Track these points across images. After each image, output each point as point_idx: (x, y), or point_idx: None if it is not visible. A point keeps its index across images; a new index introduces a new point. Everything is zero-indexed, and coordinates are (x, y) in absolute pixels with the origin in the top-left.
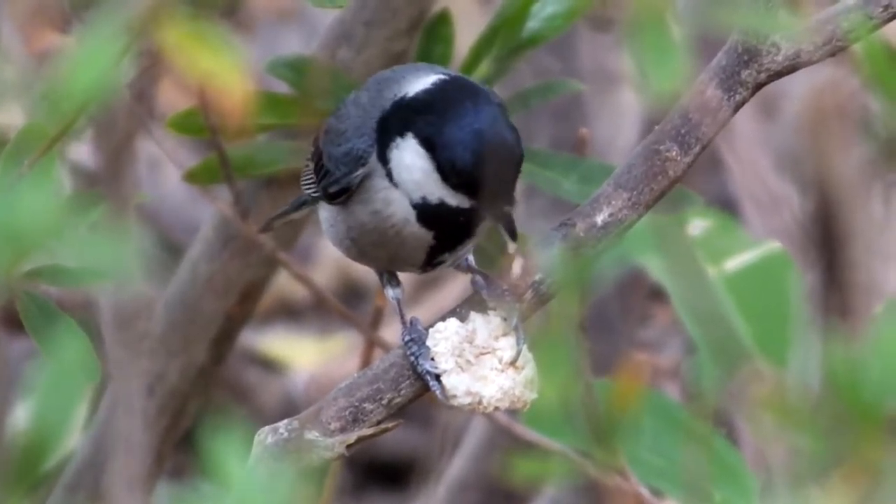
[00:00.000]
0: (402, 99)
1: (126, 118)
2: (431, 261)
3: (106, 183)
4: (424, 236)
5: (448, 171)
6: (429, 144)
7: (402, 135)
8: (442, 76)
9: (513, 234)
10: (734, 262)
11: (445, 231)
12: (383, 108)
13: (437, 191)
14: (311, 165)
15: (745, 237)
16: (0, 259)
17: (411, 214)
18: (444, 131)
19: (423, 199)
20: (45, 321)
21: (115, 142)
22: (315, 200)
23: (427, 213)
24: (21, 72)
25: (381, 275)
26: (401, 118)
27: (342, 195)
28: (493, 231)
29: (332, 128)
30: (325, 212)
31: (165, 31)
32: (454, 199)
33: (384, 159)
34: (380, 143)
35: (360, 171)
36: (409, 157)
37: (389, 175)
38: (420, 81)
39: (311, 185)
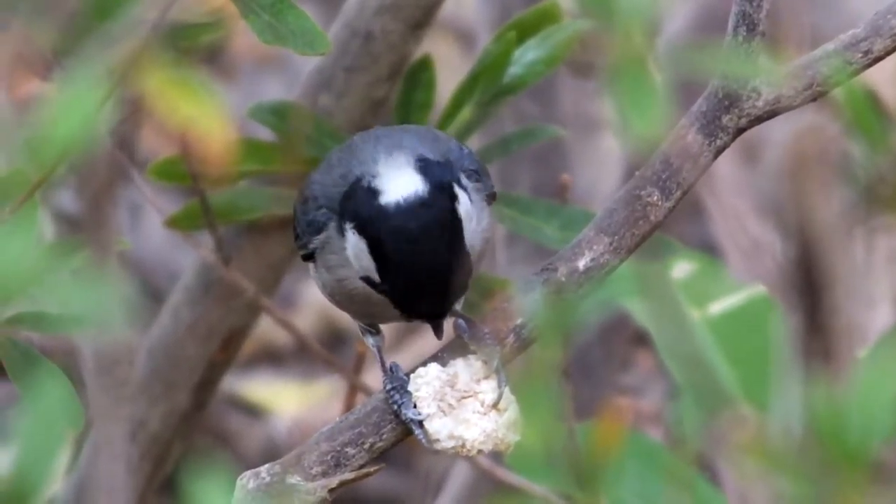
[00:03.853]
0: (364, 189)
1: (108, 165)
2: (409, 318)
3: (88, 229)
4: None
5: (380, 283)
6: (375, 255)
7: (354, 226)
8: (416, 185)
9: (436, 332)
10: (719, 306)
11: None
12: (347, 182)
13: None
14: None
15: (730, 280)
16: None
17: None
18: (389, 253)
19: (367, 278)
20: (27, 367)
21: (96, 188)
22: None
23: (372, 285)
24: (2, 118)
25: (360, 324)
26: (357, 208)
27: (309, 259)
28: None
29: (302, 191)
30: (310, 264)
31: (147, 78)
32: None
33: (342, 231)
34: (341, 216)
35: (318, 239)
36: (359, 250)
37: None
38: (388, 175)
39: None
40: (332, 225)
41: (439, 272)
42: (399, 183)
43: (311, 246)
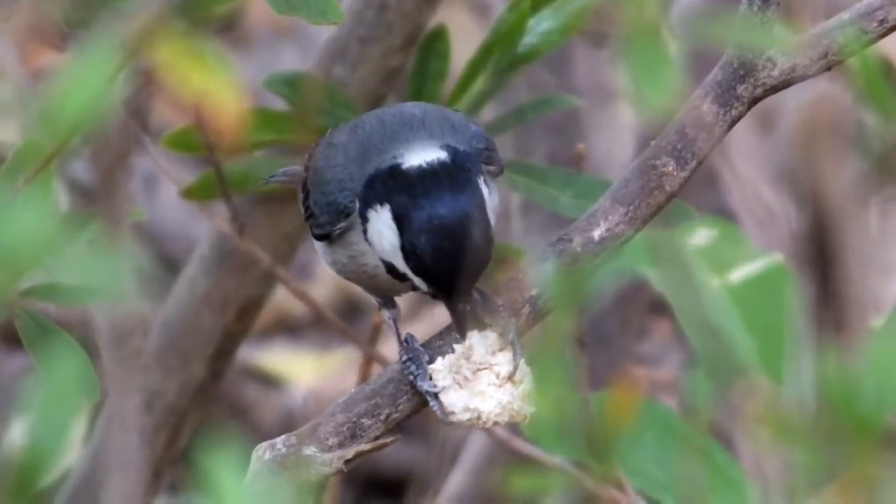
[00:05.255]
0: (395, 168)
1: (121, 135)
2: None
3: (101, 200)
4: (399, 282)
5: (409, 258)
6: (399, 223)
7: (381, 203)
8: (440, 156)
9: (461, 329)
10: (738, 273)
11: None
12: (370, 169)
13: (401, 265)
14: (300, 195)
15: (749, 248)
16: None
17: (381, 267)
18: (413, 217)
19: (391, 265)
20: (43, 338)
21: (110, 159)
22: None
23: (394, 273)
24: (17, 89)
25: (375, 297)
26: (385, 186)
27: (324, 238)
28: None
29: (319, 172)
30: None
31: (159, 49)
32: (414, 279)
33: (364, 217)
34: (363, 200)
35: (342, 225)
36: (382, 227)
37: (365, 232)
38: (416, 154)
39: (302, 208)
40: (355, 212)
41: (477, 254)
42: (426, 160)
43: (336, 228)
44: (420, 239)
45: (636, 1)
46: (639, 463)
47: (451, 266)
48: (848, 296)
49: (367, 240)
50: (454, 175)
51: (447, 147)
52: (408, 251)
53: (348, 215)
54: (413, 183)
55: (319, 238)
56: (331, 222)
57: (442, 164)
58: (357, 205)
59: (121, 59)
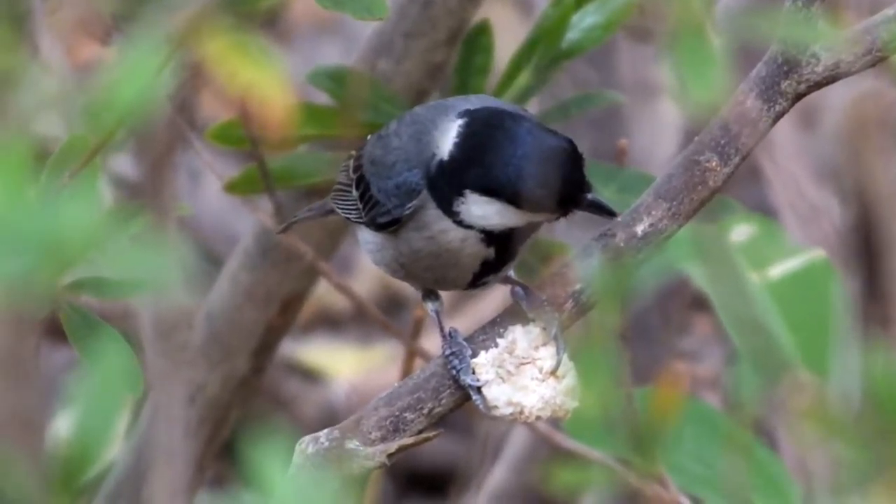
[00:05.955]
0: (441, 162)
1: (167, 129)
2: (476, 282)
3: (147, 194)
4: (482, 253)
5: (524, 203)
6: (490, 192)
7: (460, 193)
8: (461, 121)
9: (609, 211)
10: (778, 269)
11: (505, 244)
12: (425, 155)
13: (516, 220)
14: (354, 193)
15: (789, 244)
16: (43, 270)
17: (470, 237)
18: (496, 175)
19: (502, 229)
20: (87, 332)
21: (156, 153)
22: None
23: (495, 234)
24: (63, 83)
25: (421, 289)
26: (449, 179)
27: (392, 225)
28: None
29: (378, 160)
30: (369, 236)
31: (206, 43)
32: (537, 219)
33: (449, 212)
34: (435, 196)
35: (414, 203)
36: (478, 208)
37: (449, 213)
38: (446, 136)
39: (352, 211)
40: (425, 190)
41: (564, 151)
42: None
43: (408, 207)
44: (519, 184)
45: None
46: (679, 459)
47: (558, 174)
48: (893, 291)
49: (459, 221)
50: (488, 120)
51: (465, 110)
52: (521, 202)
53: (419, 193)
54: (468, 157)
55: (385, 227)
56: (401, 204)
57: (468, 125)
58: (426, 183)
59: (167, 53)
